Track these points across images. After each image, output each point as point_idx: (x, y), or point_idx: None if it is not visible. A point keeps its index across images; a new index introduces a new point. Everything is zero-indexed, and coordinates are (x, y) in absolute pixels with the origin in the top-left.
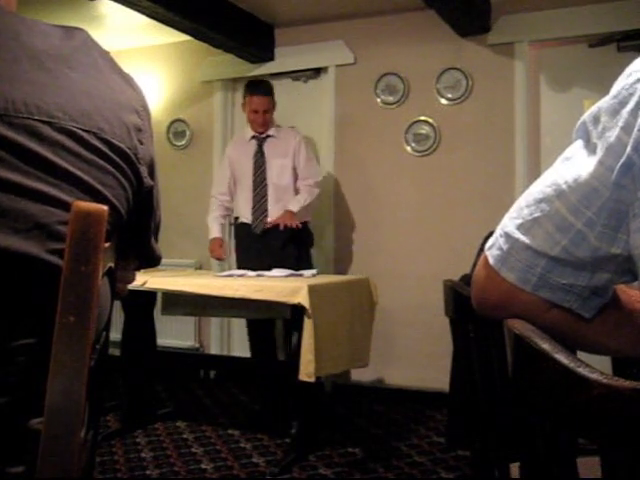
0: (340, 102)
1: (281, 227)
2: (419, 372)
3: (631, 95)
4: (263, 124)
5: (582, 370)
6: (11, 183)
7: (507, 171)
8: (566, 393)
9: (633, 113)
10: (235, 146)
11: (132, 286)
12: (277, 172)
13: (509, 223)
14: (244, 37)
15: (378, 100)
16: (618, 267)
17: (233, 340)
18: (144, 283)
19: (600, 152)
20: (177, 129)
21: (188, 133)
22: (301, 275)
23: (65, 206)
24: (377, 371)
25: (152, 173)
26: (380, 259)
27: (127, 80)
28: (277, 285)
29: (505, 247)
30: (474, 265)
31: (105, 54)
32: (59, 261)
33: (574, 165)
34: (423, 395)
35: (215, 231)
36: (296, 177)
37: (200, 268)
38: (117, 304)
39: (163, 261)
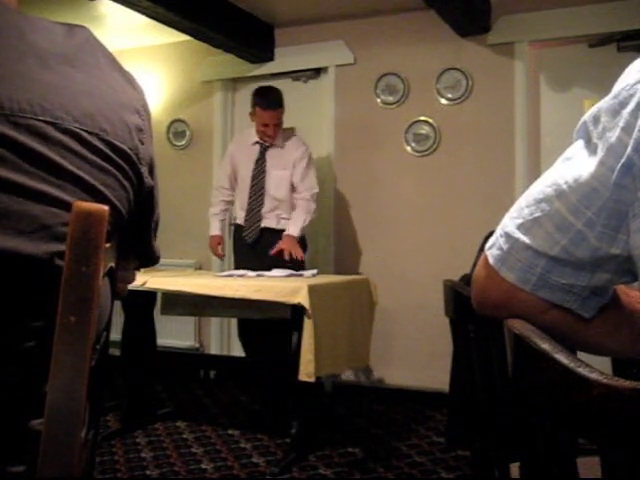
0: (340, 102)
1: (286, 257)
2: (419, 372)
3: (631, 96)
4: (273, 136)
5: (582, 370)
6: (15, 184)
7: (507, 171)
8: (566, 393)
9: (633, 114)
10: (238, 146)
11: (132, 286)
12: (275, 184)
13: (509, 223)
14: (244, 37)
15: (378, 100)
16: (618, 267)
17: (233, 340)
18: (144, 283)
19: (601, 152)
20: (177, 129)
21: (188, 133)
22: (301, 275)
23: (68, 207)
24: (377, 371)
25: (152, 173)
26: (380, 259)
27: (128, 79)
28: (277, 285)
29: (505, 247)
30: (474, 265)
31: (107, 52)
32: (62, 263)
33: (574, 165)
34: (423, 395)
35: (214, 228)
36: (294, 188)
37: (200, 268)
38: (117, 304)
39: (163, 261)
